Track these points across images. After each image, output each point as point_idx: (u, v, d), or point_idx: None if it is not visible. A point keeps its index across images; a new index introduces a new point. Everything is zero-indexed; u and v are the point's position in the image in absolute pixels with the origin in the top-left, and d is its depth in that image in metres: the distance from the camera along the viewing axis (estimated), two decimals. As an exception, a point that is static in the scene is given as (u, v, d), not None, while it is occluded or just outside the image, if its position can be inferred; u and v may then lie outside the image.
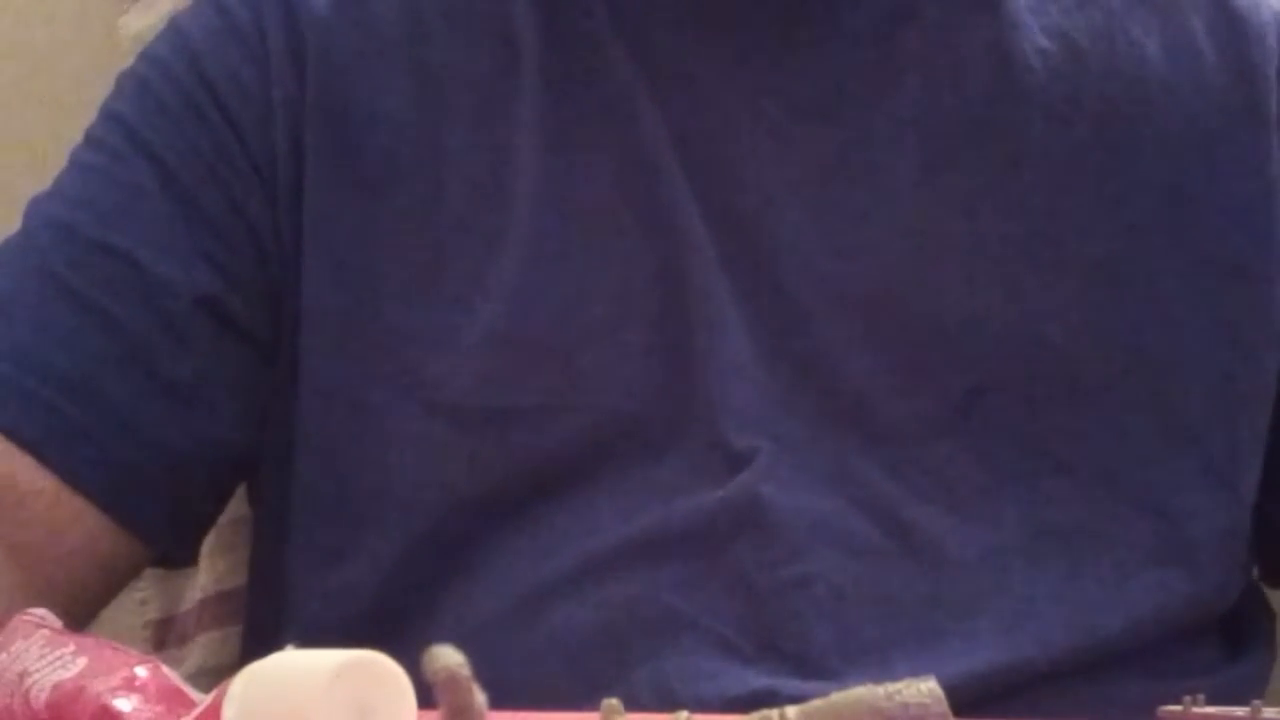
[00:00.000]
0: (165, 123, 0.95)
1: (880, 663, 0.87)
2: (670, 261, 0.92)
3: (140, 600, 1.15)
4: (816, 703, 0.58)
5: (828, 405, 0.91)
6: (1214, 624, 0.96)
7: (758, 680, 0.87)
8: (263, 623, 0.99)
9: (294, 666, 0.59)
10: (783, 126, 0.93)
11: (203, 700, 0.64)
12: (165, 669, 0.69)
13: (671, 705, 0.82)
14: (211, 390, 0.94)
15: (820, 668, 0.87)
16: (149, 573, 1.10)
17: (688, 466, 0.90)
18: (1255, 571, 1.01)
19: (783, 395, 0.91)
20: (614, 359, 0.91)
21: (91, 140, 0.97)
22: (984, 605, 0.90)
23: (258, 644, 0.98)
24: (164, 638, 1.15)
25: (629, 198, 0.92)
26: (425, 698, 0.56)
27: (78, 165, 0.97)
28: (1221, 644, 0.97)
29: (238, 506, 1.04)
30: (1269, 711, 0.67)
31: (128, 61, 1.00)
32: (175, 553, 0.99)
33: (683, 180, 0.92)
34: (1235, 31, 0.98)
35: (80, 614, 0.93)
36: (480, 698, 0.55)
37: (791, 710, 0.58)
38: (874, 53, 0.94)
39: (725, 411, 0.90)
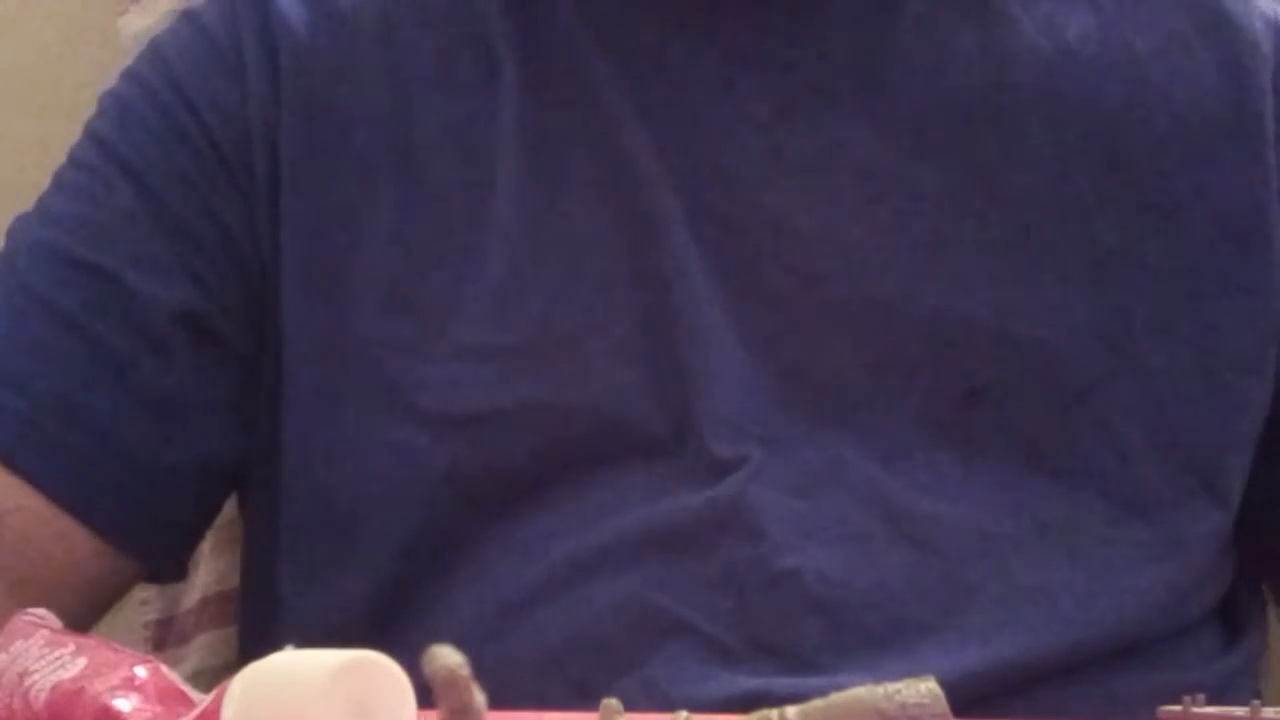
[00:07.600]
0: (147, 142, 0.95)
1: (873, 659, 0.87)
2: (653, 266, 0.91)
3: (140, 600, 1.15)
4: (816, 703, 0.58)
5: (819, 406, 0.91)
6: (1211, 614, 0.96)
7: (749, 681, 0.86)
8: (256, 629, 0.99)
9: (294, 666, 0.60)
10: (768, 127, 0.93)
11: (203, 700, 0.65)
12: (165, 669, 0.69)
13: (663, 709, 0.82)
14: (195, 405, 0.94)
15: (812, 664, 0.87)
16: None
17: (673, 473, 0.90)
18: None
19: (772, 398, 0.91)
20: (595, 364, 0.90)
21: (74, 160, 0.97)
22: (977, 596, 0.90)
23: (253, 647, 0.98)
24: (164, 638, 1.15)
25: (611, 202, 0.92)
26: (425, 698, 0.57)
27: (59, 184, 0.97)
28: (1219, 630, 0.97)
29: (237, 505, 1.04)
30: (1269, 711, 0.67)
31: (128, 61, 1.00)
32: (164, 568, 0.98)
33: (666, 184, 0.91)
34: (1228, 37, 0.97)
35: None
36: (480, 698, 0.55)
37: (791, 710, 0.58)
38: (860, 50, 0.94)
39: (712, 421, 0.90)
